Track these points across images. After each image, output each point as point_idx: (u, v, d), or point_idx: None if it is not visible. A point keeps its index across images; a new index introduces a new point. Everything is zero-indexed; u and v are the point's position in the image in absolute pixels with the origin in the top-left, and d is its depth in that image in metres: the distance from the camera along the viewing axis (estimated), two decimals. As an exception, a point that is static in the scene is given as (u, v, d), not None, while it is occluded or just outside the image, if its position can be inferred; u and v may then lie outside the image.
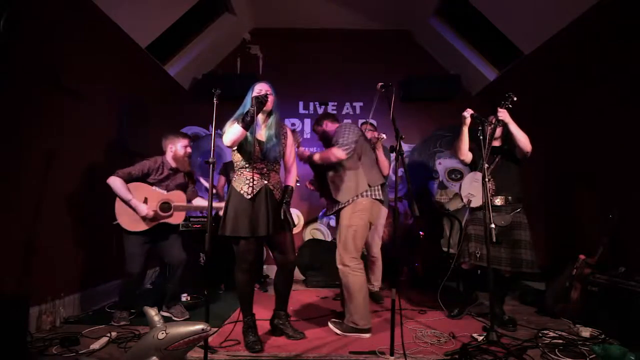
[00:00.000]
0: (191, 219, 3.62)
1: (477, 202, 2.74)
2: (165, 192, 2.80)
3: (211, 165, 1.96)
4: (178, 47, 4.36)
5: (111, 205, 3.32)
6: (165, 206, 2.76)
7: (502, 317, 2.64)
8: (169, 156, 2.86)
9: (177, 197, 2.82)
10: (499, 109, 2.57)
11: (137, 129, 3.69)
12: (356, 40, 4.94)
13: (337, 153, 2.47)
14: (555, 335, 2.40)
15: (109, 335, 2.30)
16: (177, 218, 2.81)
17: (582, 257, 2.78)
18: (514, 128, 2.57)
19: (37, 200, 2.53)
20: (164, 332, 1.64)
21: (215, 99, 2.00)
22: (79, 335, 2.32)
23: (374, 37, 4.95)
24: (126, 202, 2.65)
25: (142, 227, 2.70)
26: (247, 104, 2.26)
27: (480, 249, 2.69)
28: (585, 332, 2.39)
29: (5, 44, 2.16)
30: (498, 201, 2.68)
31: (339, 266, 2.53)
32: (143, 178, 2.76)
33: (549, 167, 3.56)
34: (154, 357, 1.61)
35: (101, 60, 3.20)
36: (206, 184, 3.26)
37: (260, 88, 2.31)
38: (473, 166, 2.93)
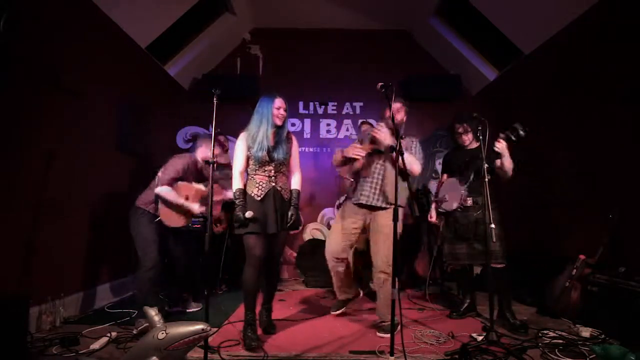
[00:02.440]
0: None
1: (448, 206, 2.83)
2: (202, 187, 2.83)
3: (211, 165, 1.98)
4: (178, 47, 4.36)
5: (111, 206, 3.34)
6: (203, 201, 2.81)
7: (513, 321, 2.57)
8: (199, 155, 2.89)
9: (215, 192, 2.90)
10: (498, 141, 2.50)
11: (137, 129, 3.69)
12: (356, 40, 4.94)
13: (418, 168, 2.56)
14: (555, 335, 2.40)
15: (109, 335, 2.30)
16: (214, 210, 2.83)
17: (582, 257, 2.78)
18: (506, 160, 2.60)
19: (37, 200, 2.52)
20: (164, 332, 1.64)
21: (215, 99, 2.02)
22: (79, 335, 2.32)
23: (374, 37, 4.95)
24: (178, 206, 2.68)
25: (183, 222, 2.75)
26: (268, 117, 2.35)
27: (456, 248, 2.81)
28: (585, 332, 2.39)
29: (5, 44, 2.16)
30: (469, 202, 2.76)
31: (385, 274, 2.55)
32: (182, 178, 2.78)
33: (549, 167, 3.56)
34: (154, 357, 1.61)
35: (101, 60, 3.20)
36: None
37: (279, 106, 2.39)
38: (448, 169, 3.02)
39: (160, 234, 2.72)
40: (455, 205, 2.76)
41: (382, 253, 2.52)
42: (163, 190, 2.65)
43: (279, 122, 2.40)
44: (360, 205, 2.62)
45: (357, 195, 2.63)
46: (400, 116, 2.60)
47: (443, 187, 2.96)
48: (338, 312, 2.87)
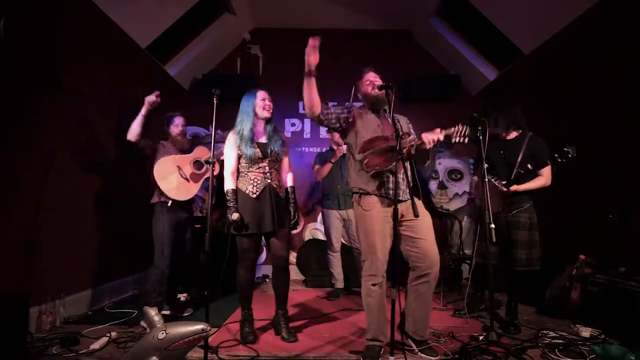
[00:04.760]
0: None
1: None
2: (187, 155, 2.87)
3: (211, 165, 1.98)
4: (178, 47, 4.36)
5: (111, 205, 3.33)
6: (198, 163, 2.85)
7: (512, 320, 2.57)
8: (172, 132, 2.94)
9: (202, 153, 2.91)
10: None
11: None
12: (356, 40, 4.93)
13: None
14: (555, 335, 2.40)
15: (109, 335, 2.30)
16: (215, 169, 2.85)
17: (582, 257, 2.78)
18: None
19: (37, 200, 2.52)
20: (164, 332, 1.64)
21: (215, 99, 2.02)
22: (79, 335, 2.32)
23: (374, 37, 4.95)
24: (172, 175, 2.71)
25: (193, 190, 2.78)
26: (249, 112, 2.38)
27: (492, 247, 2.63)
28: (585, 332, 2.39)
29: (5, 44, 2.15)
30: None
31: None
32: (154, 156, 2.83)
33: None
34: (154, 357, 1.61)
35: (101, 61, 3.20)
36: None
37: (264, 97, 2.41)
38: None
39: (176, 231, 2.78)
40: (497, 209, 2.53)
41: (434, 248, 2.10)
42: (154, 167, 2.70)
43: (266, 114, 2.39)
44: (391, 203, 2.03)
45: (386, 195, 2.09)
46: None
47: (477, 187, 2.77)
48: None
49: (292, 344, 2.29)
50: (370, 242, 2.06)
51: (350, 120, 2.18)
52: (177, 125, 2.94)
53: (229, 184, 2.32)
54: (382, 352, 2.04)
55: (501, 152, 2.66)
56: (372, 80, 2.21)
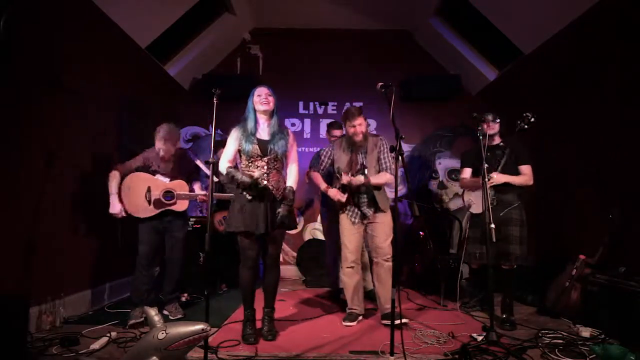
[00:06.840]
0: (191, 219, 3.63)
1: (476, 209, 2.87)
2: (168, 181, 2.82)
3: (211, 165, 1.98)
4: (178, 47, 4.36)
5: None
6: (169, 194, 2.80)
7: (509, 317, 2.63)
8: (157, 145, 2.83)
9: (180, 186, 2.84)
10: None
11: (137, 129, 3.69)
12: (356, 40, 4.93)
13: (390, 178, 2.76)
14: (555, 335, 2.40)
15: (109, 335, 2.30)
16: (181, 205, 2.83)
17: (582, 257, 2.78)
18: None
19: (38, 199, 2.52)
20: (164, 332, 1.64)
21: (215, 99, 2.02)
22: (79, 335, 2.32)
23: (374, 37, 4.95)
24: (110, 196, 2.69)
25: (150, 212, 2.75)
26: (250, 110, 2.42)
27: (479, 249, 2.85)
28: (585, 332, 2.39)
29: (5, 44, 2.15)
30: (495, 201, 2.76)
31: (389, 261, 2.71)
32: (145, 169, 2.81)
33: (549, 167, 3.56)
34: (154, 357, 1.61)
35: (101, 60, 3.20)
36: (202, 166, 3.31)
37: (260, 93, 2.42)
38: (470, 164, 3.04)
39: (155, 233, 2.78)
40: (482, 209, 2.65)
41: (388, 240, 2.70)
42: (110, 175, 2.70)
43: (263, 107, 2.38)
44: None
45: (355, 212, 2.75)
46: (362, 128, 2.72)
47: (467, 191, 2.98)
48: (352, 324, 2.69)
49: (292, 344, 2.29)
50: (342, 238, 2.81)
51: (332, 157, 2.87)
52: (160, 139, 2.78)
53: (225, 165, 2.34)
54: (359, 318, 2.76)
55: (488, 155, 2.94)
56: (356, 129, 2.70)
